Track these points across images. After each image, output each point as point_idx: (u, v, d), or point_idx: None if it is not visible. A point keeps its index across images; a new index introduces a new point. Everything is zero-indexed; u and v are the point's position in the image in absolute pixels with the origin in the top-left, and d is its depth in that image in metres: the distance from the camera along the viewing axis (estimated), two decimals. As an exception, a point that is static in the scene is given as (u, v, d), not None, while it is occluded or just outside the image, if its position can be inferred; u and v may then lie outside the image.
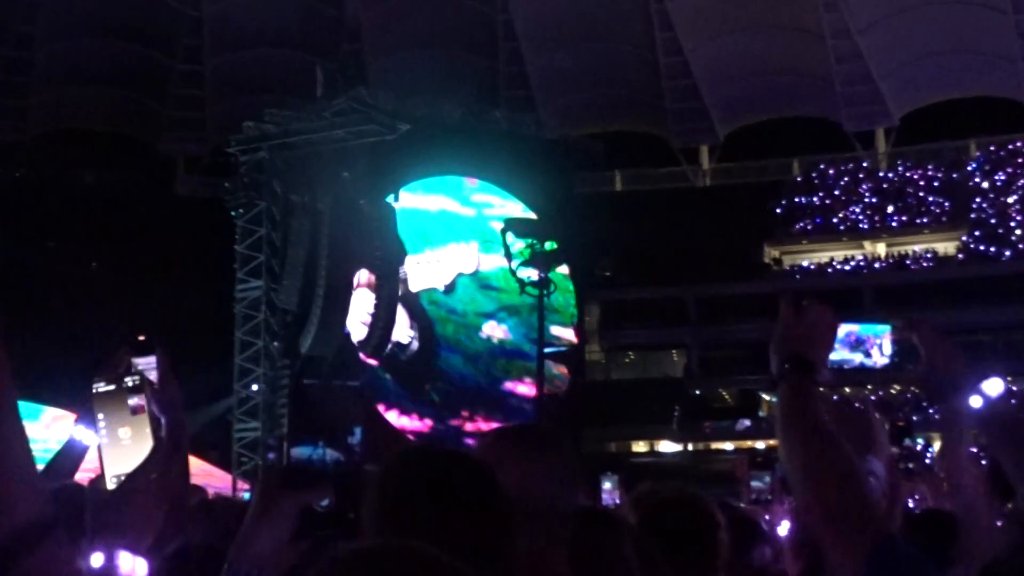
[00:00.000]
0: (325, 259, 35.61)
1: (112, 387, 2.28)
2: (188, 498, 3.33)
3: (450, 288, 40.49)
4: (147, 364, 4.00)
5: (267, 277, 37.05)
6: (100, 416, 2.23)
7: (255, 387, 37.03)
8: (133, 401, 2.33)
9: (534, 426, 6.23)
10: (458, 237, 40.69)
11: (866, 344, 2.84)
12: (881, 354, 2.84)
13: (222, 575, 1.78)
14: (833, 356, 2.68)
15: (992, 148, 55.06)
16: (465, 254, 40.69)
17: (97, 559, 1.90)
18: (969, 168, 54.84)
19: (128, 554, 1.92)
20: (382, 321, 37.24)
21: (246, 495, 24.45)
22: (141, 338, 2.83)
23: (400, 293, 38.42)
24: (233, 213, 37.73)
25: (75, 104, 49.55)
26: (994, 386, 2.70)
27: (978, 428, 2.73)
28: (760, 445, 43.98)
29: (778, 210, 55.77)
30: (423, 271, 39.85)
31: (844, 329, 2.79)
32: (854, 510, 2.20)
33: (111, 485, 2.17)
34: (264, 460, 36.17)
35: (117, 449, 2.25)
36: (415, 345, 39.11)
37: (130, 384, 2.27)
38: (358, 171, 36.49)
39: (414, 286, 39.35)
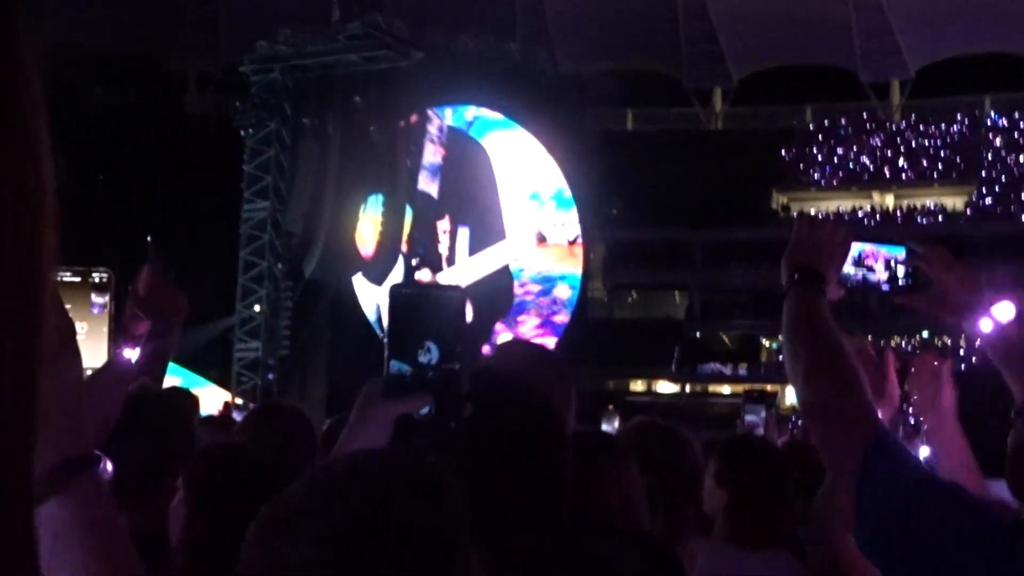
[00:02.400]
0: (333, 183, 35.58)
1: (78, 279, 2.23)
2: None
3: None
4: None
5: (274, 198, 37.04)
6: None
7: (257, 308, 37.16)
8: (97, 298, 2.30)
9: (559, 353, 6.34)
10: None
11: (870, 259, 2.83)
12: (886, 270, 2.84)
13: None
14: None
15: (1007, 105, 54.76)
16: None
17: None
18: (983, 125, 54.59)
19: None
20: (387, 248, 37.21)
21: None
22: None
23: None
24: (242, 133, 37.66)
25: (87, 21, 49.19)
26: (1005, 310, 2.70)
27: (987, 350, 2.71)
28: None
29: (788, 157, 55.61)
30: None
31: (857, 247, 2.79)
32: (854, 412, 2.21)
33: None
34: (263, 380, 36.38)
35: None
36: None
37: (96, 280, 2.21)
38: (370, 97, 36.35)
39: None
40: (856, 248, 2.78)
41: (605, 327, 48.52)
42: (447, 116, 37.19)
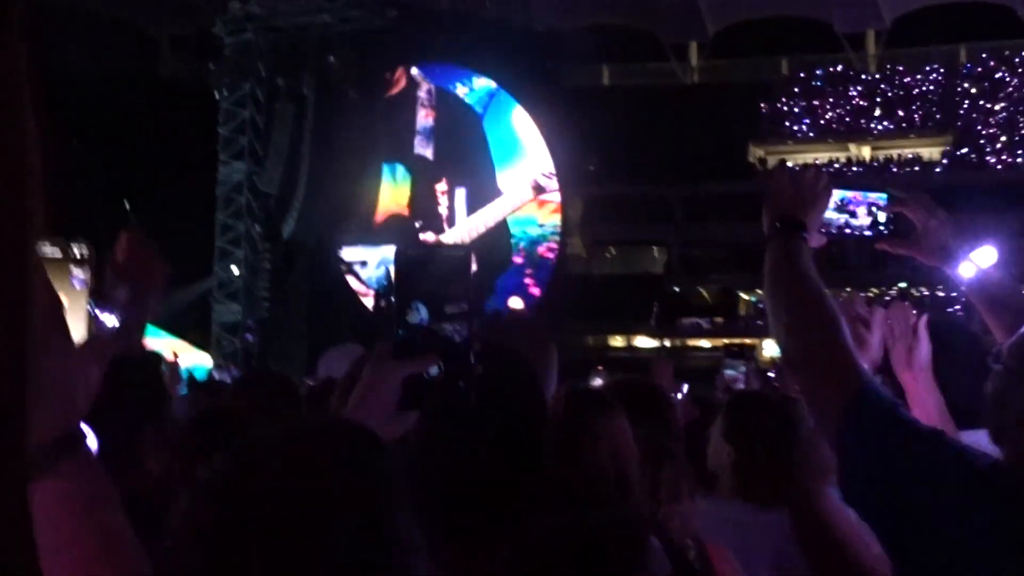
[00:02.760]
0: (308, 144, 35.45)
1: (60, 255, 2.22)
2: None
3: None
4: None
5: (249, 160, 36.90)
6: None
7: (235, 270, 37.09)
8: (78, 274, 2.29)
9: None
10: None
11: (851, 205, 2.83)
12: (867, 216, 2.84)
13: None
14: None
15: (983, 55, 54.79)
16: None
17: None
18: (958, 74, 54.63)
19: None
20: (363, 209, 37.14)
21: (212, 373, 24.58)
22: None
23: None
24: (217, 95, 37.45)
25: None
26: (986, 255, 2.74)
27: (969, 295, 2.77)
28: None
29: (765, 110, 55.59)
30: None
31: (838, 194, 2.79)
32: (837, 362, 2.21)
33: None
34: (243, 342, 36.35)
35: None
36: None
37: (76, 254, 2.18)
38: (345, 57, 36.16)
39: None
40: (838, 195, 2.77)
41: (584, 283, 48.57)
42: (460, 90, 36.73)
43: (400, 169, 34.77)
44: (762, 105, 55.50)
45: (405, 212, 34.91)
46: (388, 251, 34.36)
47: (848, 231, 2.83)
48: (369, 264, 35.09)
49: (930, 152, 53.04)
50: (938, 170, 51.41)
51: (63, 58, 45.66)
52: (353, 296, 36.64)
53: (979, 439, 2.14)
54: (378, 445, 1.35)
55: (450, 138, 34.40)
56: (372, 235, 35.46)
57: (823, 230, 2.70)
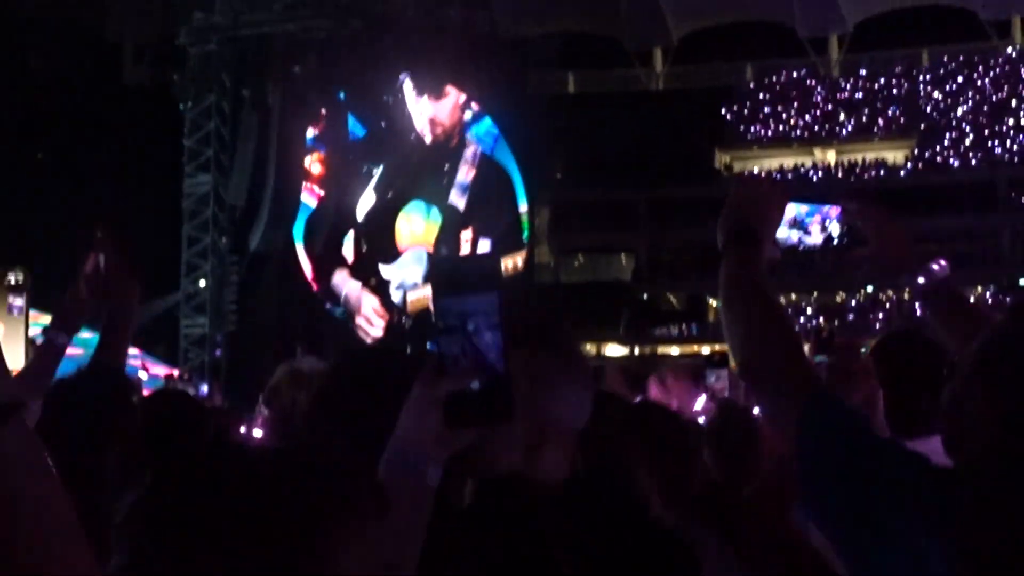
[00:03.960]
0: (274, 155, 35.37)
1: None
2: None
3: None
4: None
5: (215, 171, 36.78)
6: None
7: (202, 283, 36.93)
8: (15, 300, 2.25)
9: None
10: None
11: (804, 220, 2.80)
12: (821, 232, 2.81)
13: (392, 468, 1.80)
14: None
15: (945, 58, 55.21)
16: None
17: None
18: (921, 77, 55.01)
19: None
20: (330, 219, 37.05)
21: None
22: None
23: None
24: (181, 106, 37.30)
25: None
26: (940, 265, 2.76)
27: (922, 303, 2.78)
28: (706, 350, 44.40)
29: (730, 116, 55.83)
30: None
31: (793, 209, 2.76)
32: (793, 372, 2.22)
33: None
34: (211, 356, 36.18)
35: None
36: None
37: (12, 282, 2.16)
38: (309, 66, 36.08)
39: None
40: (792, 210, 2.75)
41: (552, 291, 48.59)
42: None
43: (435, 210, 37.14)
44: (726, 110, 55.72)
45: (430, 248, 36.71)
46: (407, 273, 36.60)
47: (802, 245, 2.81)
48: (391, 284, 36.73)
49: (895, 155, 53.37)
50: (903, 173, 51.74)
51: (25, 67, 45.44)
52: (321, 310, 36.58)
53: (932, 447, 2.18)
54: None
55: (484, 194, 37.25)
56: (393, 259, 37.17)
57: (779, 241, 2.70)
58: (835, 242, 2.83)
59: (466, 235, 37.69)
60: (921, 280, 2.76)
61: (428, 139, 37.41)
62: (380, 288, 36.91)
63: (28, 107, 40.38)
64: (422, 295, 36.13)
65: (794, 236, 2.77)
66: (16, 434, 1.33)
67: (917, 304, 2.90)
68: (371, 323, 36.69)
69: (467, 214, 37.81)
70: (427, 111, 37.70)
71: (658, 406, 4.27)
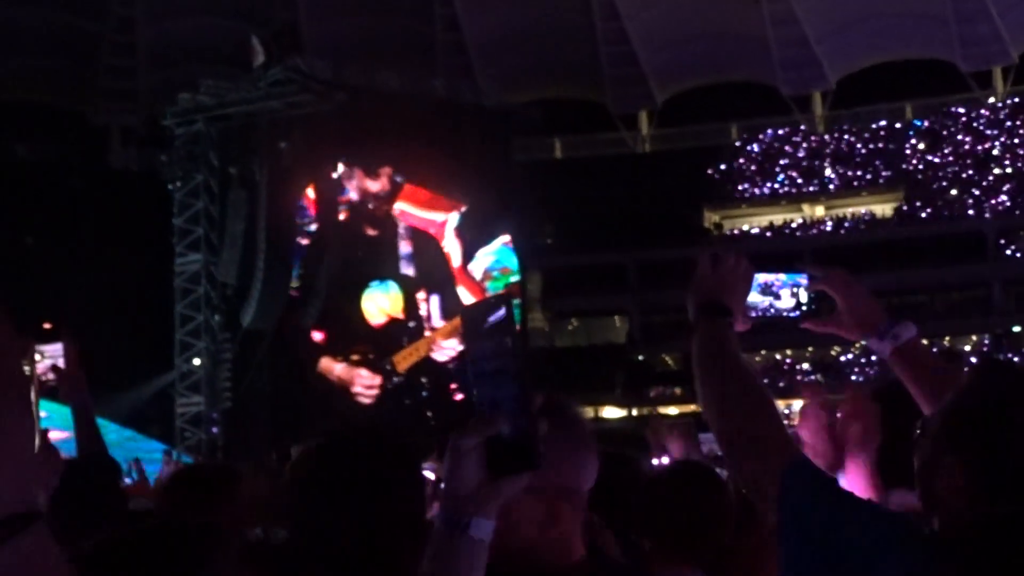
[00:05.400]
0: (264, 231, 35.44)
1: None
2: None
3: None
4: (53, 352, 4.14)
5: (206, 250, 36.83)
6: None
7: (197, 361, 36.86)
8: None
9: None
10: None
11: (774, 287, 2.88)
12: (791, 297, 2.89)
13: (438, 524, 1.74)
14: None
15: (927, 110, 55.59)
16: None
17: None
18: (905, 131, 55.34)
19: None
20: (318, 289, 37.12)
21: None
22: (47, 325, 2.74)
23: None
24: (170, 186, 37.41)
25: (4, 74, 48.72)
26: (906, 329, 2.80)
27: (892, 367, 2.82)
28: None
29: (717, 175, 56.07)
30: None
31: (761, 278, 2.85)
32: (771, 440, 2.26)
33: None
34: (208, 434, 36.05)
35: None
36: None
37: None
38: (296, 141, 36.25)
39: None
40: (760, 279, 2.84)
41: (547, 356, 48.55)
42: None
43: (391, 283, 39.47)
44: (713, 170, 55.97)
45: (401, 316, 39.42)
46: None
47: (773, 312, 2.90)
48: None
49: (883, 208, 53.58)
50: (891, 226, 51.92)
51: (12, 153, 45.64)
52: (309, 380, 36.64)
53: (908, 500, 2.20)
54: None
55: (424, 261, 40.29)
56: (376, 337, 38.82)
57: (750, 313, 2.79)
58: (804, 308, 2.92)
59: (421, 295, 39.97)
60: (886, 344, 2.80)
61: (369, 220, 39.40)
62: (364, 361, 38.08)
63: (16, 192, 40.43)
64: (404, 354, 38.60)
65: (765, 301, 2.88)
66: (36, 545, 1.26)
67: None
68: (368, 388, 37.88)
69: (417, 278, 40.04)
70: (367, 188, 39.25)
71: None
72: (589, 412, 50.92)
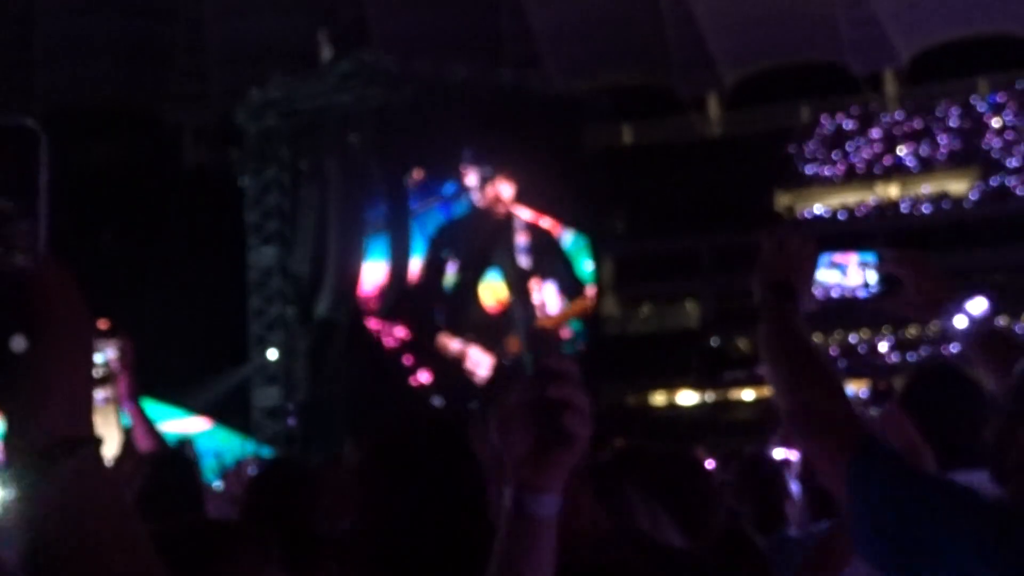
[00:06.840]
0: (335, 224, 35.67)
1: None
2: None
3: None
4: (108, 349, 4.26)
5: (279, 244, 37.12)
6: None
7: (272, 353, 37.19)
8: (99, 394, 2.26)
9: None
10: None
11: (843, 266, 2.88)
12: (860, 276, 2.88)
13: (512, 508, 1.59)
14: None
15: (1003, 86, 54.72)
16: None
17: None
18: (980, 107, 54.52)
19: None
20: (395, 282, 37.29)
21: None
22: (102, 325, 2.78)
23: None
24: (240, 181, 37.75)
25: (79, 80, 49.46)
26: (978, 305, 2.78)
27: (963, 345, 2.79)
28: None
29: (788, 157, 55.57)
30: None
31: (830, 257, 2.86)
32: (839, 418, 2.26)
33: None
34: (285, 426, 36.36)
35: None
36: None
37: (96, 377, 2.16)
38: (366, 134, 36.42)
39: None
40: (829, 259, 2.85)
41: (620, 343, 48.47)
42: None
43: (499, 272, 41.18)
44: (784, 152, 55.47)
45: (510, 303, 41.30)
46: None
47: (841, 291, 2.90)
48: None
49: (957, 187, 52.81)
50: (966, 204, 51.19)
51: (89, 155, 46.31)
52: (395, 374, 36.84)
53: (975, 480, 2.20)
54: None
55: (541, 251, 41.99)
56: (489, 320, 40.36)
57: (817, 293, 2.78)
58: (872, 288, 2.90)
59: (534, 284, 41.52)
60: (962, 324, 2.78)
61: (491, 216, 40.95)
62: (478, 339, 39.85)
63: (94, 193, 41.02)
64: (516, 338, 40.47)
65: (833, 280, 2.87)
66: (88, 470, 1.30)
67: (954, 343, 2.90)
68: (479, 364, 39.57)
69: (531, 269, 41.27)
70: (490, 192, 40.50)
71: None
72: (663, 398, 51.02)
